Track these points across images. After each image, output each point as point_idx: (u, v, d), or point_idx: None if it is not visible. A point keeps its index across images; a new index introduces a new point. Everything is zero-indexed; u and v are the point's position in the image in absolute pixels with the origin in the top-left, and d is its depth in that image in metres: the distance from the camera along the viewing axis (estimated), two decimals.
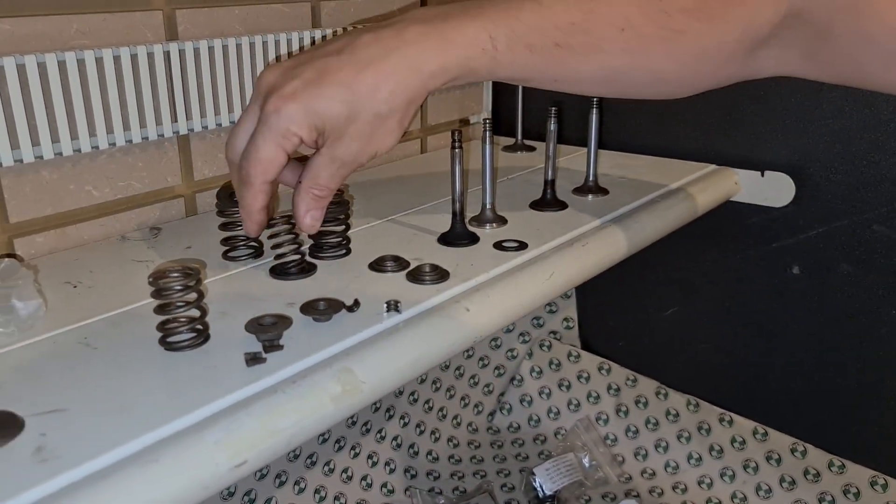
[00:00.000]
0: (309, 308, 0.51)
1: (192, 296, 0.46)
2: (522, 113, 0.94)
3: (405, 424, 0.98)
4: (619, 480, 0.96)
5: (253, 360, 0.45)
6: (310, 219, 0.52)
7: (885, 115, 0.75)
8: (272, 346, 0.46)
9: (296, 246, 0.57)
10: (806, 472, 0.85)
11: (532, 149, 0.95)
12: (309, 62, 0.47)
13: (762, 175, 0.83)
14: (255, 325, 0.48)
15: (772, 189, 0.82)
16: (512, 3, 0.48)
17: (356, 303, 0.52)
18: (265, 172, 0.49)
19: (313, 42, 0.77)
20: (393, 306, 0.51)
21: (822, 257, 0.82)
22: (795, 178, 0.81)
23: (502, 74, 0.49)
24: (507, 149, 0.95)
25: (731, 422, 0.91)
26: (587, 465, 0.95)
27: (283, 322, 0.48)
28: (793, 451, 0.86)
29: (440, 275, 0.56)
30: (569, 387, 1.04)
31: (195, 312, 0.47)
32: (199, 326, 0.47)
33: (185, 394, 0.41)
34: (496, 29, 0.47)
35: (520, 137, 0.95)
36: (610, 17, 0.48)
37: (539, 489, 0.90)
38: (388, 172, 0.87)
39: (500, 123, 1.04)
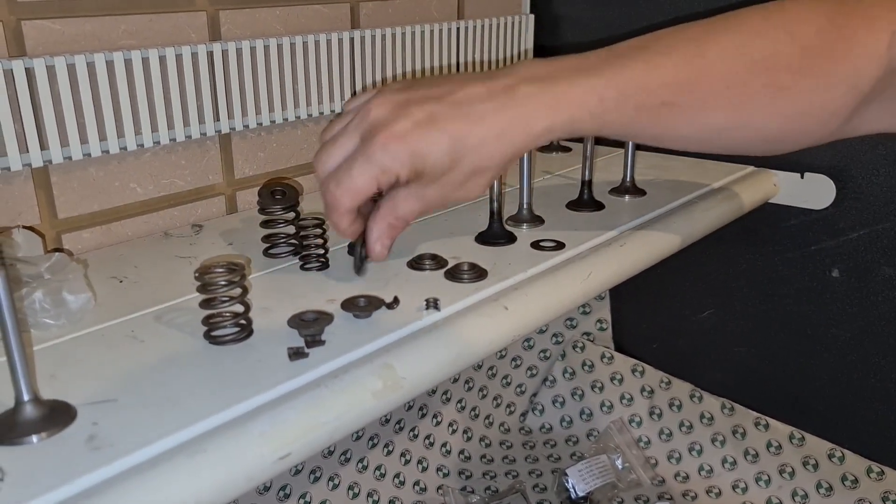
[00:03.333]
0: (349, 305, 0.51)
1: (237, 291, 0.47)
2: None
3: (438, 423, 0.98)
4: (652, 483, 0.95)
5: (296, 354, 0.45)
6: (380, 246, 0.53)
7: None
8: (314, 341, 0.47)
9: (323, 241, 0.59)
10: (844, 479, 0.84)
11: (568, 150, 0.95)
12: (420, 103, 0.47)
13: (802, 177, 0.82)
14: (298, 321, 0.49)
15: (812, 191, 0.81)
16: (622, 59, 0.48)
17: (395, 300, 0.52)
18: (354, 200, 0.49)
19: (352, 43, 0.78)
20: (432, 304, 0.52)
21: (863, 260, 0.80)
22: (836, 180, 0.80)
23: (605, 132, 0.49)
24: (543, 150, 0.95)
25: (766, 426, 0.89)
26: (620, 467, 0.95)
27: (324, 318, 0.49)
28: (830, 456, 0.85)
29: (478, 273, 0.57)
30: (602, 388, 1.04)
31: (239, 308, 0.48)
32: (243, 321, 0.48)
33: (230, 387, 0.42)
34: (606, 90, 0.47)
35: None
36: (716, 75, 0.47)
37: (572, 490, 0.90)
38: None
39: None
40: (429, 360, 0.49)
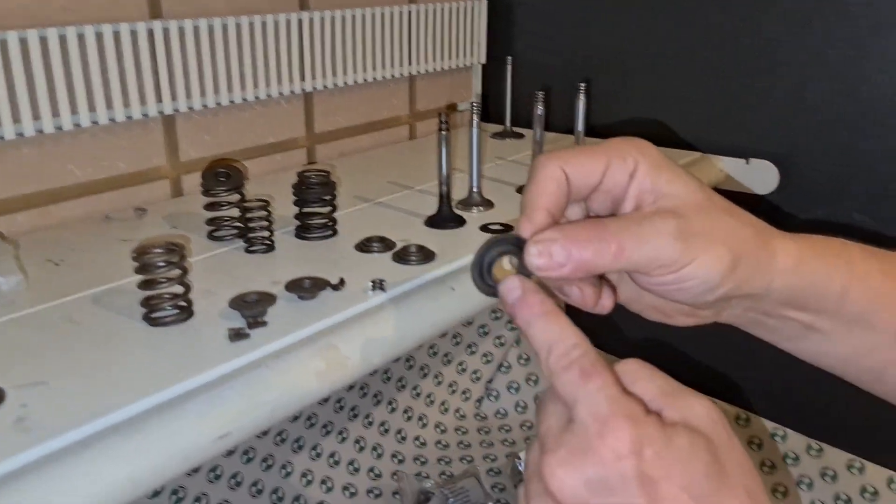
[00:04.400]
0: (294, 286, 0.51)
1: (176, 272, 0.46)
2: (511, 100, 0.94)
3: (393, 410, 0.98)
4: None
5: (237, 335, 0.45)
6: None
7: (866, 106, 0.75)
8: (256, 322, 0.46)
9: (268, 223, 0.58)
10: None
11: (520, 136, 0.95)
12: None
13: (747, 162, 0.83)
14: (240, 302, 0.48)
15: (756, 176, 0.83)
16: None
17: (341, 281, 0.52)
18: None
19: (300, 25, 0.77)
20: (378, 285, 0.51)
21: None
22: (780, 166, 0.82)
23: None
24: (495, 135, 0.95)
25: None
26: None
27: (267, 299, 0.48)
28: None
29: (426, 255, 0.56)
30: None
31: (179, 289, 0.47)
32: (183, 302, 0.47)
33: (167, 368, 0.41)
34: None
35: (508, 124, 0.95)
36: None
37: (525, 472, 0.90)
38: (377, 158, 0.87)
39: (489, 110, 1.04)
40: (374, 340, 0.48)
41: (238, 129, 0.76)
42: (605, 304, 0.40)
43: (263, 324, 0.46)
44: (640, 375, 0.33)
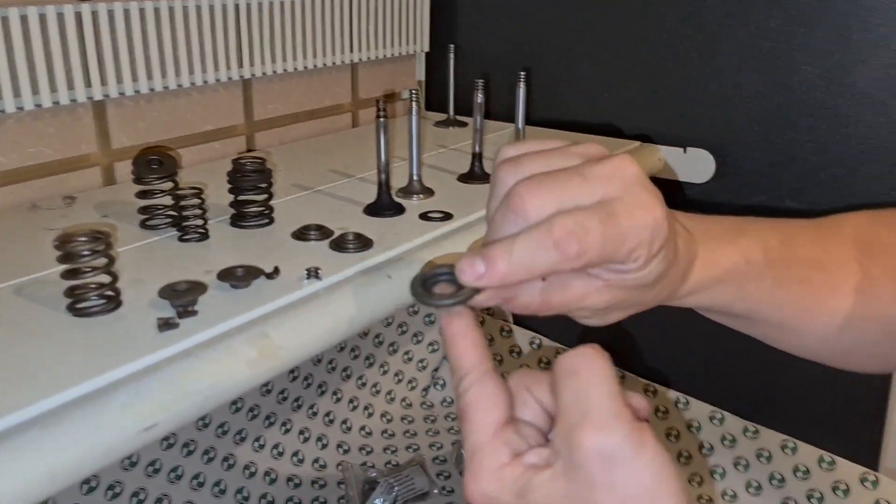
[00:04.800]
0: (226, 275, 0.50)
1: (102, 261, 0.45)
2: (455, 88, 0.94)
3: (338, 400, 0.98)
4: None
5: (165, 325, 0.44)
6: None
7: (798, 97, 0.77)
8: (186, 311, 0.45)
9: (201, 211, 0.57)
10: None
11: (464, 124, 0.95)
12: None
13: (685, 151, 0.85)
14: (169, 291, 0.47)
15: (693, 165, 0.84)
16: None
17: (276, 270, 0.51)
18: None
19: (237, 9, 0.75)
20: (313, 273, 0.51)
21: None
22: (716, 155, 0.84)
23: None
24: (438, 124, 0.95)
25: (655, 392, 0.93)
26: None
27: (197, 288, 0.47)
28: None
29: (363, 243, 0.56)
30: (501, 361, 1.05)
31: (105, 278, 0.46)
32: (110, 292, 0.46)
33: (92, 359, 0.40)
34: None
35: (452, 113, 0.95)
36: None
37: None
38: (319, 146, 0.86)
39: (433, 99, 1.04)
40: (308, 328, 0.48)
41: (173, 115, 0.75)
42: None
43: (194, 313, 0.46)
44: (557, 383, 0.32)
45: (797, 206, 0.80)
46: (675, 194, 0.87)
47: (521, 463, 0.33)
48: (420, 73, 1.03)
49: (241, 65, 0.77)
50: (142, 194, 0.59)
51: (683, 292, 0.43)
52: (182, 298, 0.46)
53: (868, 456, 0.82)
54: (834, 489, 0.80)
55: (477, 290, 0.36)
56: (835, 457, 0.79)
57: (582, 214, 0.33)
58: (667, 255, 0.37)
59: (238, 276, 0.50)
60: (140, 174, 0.58)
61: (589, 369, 0.32)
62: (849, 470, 0.79)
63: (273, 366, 0.45)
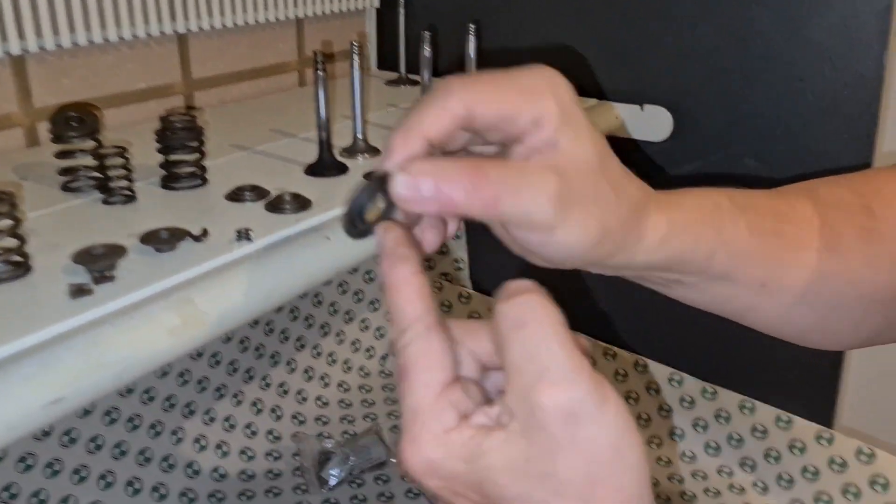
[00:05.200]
0: (150, 238, 0.47)
1: (7, 223, 0.42)
2: (406, 46, 0.90)
3: (292, 371, 0.95)
4: None
5: (78, 291, 0.41)
6: None
7: (756, 52, 0.75)
8: (102, 276, 0.42)
9: (126, 172, 0.54)
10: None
11: (416, 83, 0.92)
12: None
13: (642, 109, 0.82)
14: (84, 256, 0.44)
15: (651, 123, 0.82)
16: None
17: (204, 232, 0.48)
18: None
19: None
20: (244, 234, 0.48)
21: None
22: (674, 113, 0.82)
23: None
24: (390, 83, 0.92)
25: (615, 356, 0.92)
26: None
27: (115, 252, 0.44)
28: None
29: (301, 204, 0.53)
30: None
31: (11, 242, 0.42)
32: (18, 257, 0.43)
33: None
34: None
35: (403, 71, 0.91)
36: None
37: None
38: (262, 105, 0.82)
39: (385, 57, 1.00)
40: (237, 293, 0.45)
41: (102, 72, 0.70)
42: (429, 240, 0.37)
43: (111, 278, 0.43)
44: (503, 338, 0.30)
45: (756, 164, 0.79)
46: (632, 153, 0.85)
47: (470, 425, 0.30)
48: (370, 29, 0.99)
49: (174, 18, 0.73)
50: (62, 154, 0.55)
51: (651, 241, 0.38)
52: (98, 263, 0.43)
53: (824, 415, 0.82)
54: (791, 447, 0.80)
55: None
56: (791, 416, 0.79)
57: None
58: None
59: (162, 239, 0.47)
60: (58, 133, 0.55)
61: (537, 320, 0.29)
62: (805, 428, 0.78)
63: (198, 333, 0.42)
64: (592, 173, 0.34)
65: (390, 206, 0.33)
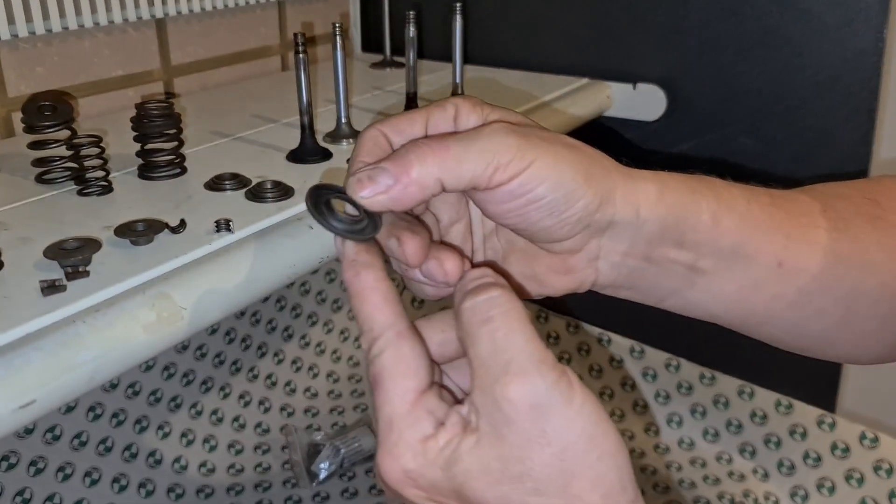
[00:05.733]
0: (125, 230, 0.45)
1: None
2: (390, 28, 0.88)
3: (280, 362, 0.93)
4: None
5: (50, 288, 0.39)
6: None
7: (749, 25, 0.73)
8: (76, 272, 0.40)
9: (102, 161, 0.51)
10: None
11: (401, 65, 0.89)
12: None
13: (634, 88, 0.80)
14: (56, 251, 0.42)
15: (644, 102, 0.80)
16: None
17: (182, 223, 0.46)
18: None
19: None
20: (224, 225, 0.46)
21: (696, 170, 0.81)
22: (667, 91, 0.80)
23: None
24: (375, 66, 0.89)
25: (610, 342, 0.91)
26: None
27: (89, 245, 0.42)
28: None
29: (283, 192, 0.51)
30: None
31: None
32: None
33: None
34: None
35: (388, 54, 0.89)
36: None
37: None
38: (243, 91, 0.80)
39: (370, 39, 0.97)
40: (217, 287, 0.43)
41: (78, 60, 0.68)
42: (447, 269, 0.33)
43: (85, 274, 0.41)
44: (468, 335, 0.29)
45: (752, 142, 0.77)
46: (625, 134, 0.83)
47: (446, 430, 0.29)
48: (354, 10, 0.96)
49: (151, 3, 0.70)
50: (35, 145, 0.53)
51: (645, 195, 0.35)
52: (71, 258, 0.41)
53: (825, 399, 0.81)
54: (791, 433, 0.79)
55: (377, 220, 0.33)
56: (792, 400, 0.78)
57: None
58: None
59: (138, 232, 0.45)
60: (31, 122, 0.52)
61: (504, 314, 0.29)
62: (806, 413, 0.77)
63: (175, 329, 0.40)
64: (538, 131, 0.34)
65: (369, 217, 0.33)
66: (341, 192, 0.32)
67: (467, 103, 0.35)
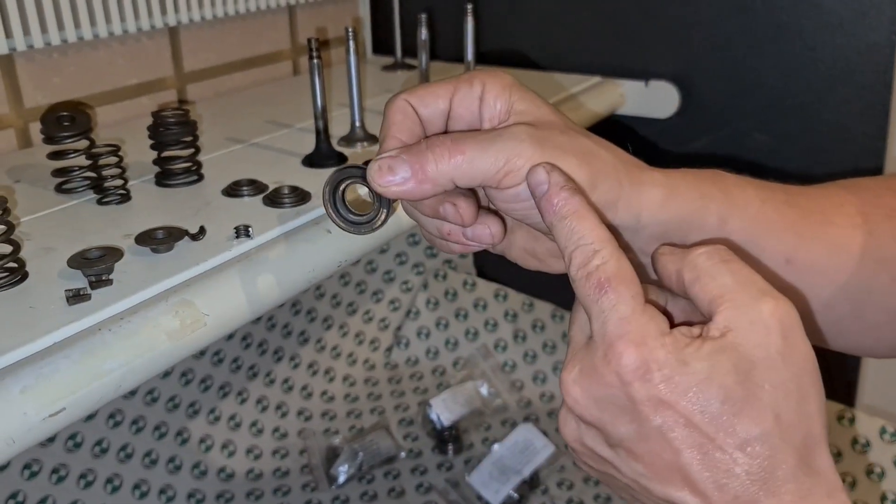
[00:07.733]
0: (146, 238, 0.45)
1: None
2: (401, 30, 0.88)
3: (296, 366, 0.94)
4: (518, 406, 0.95)
5: (75, 297, 0.39)
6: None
7: (761, 20, 0.73)
8: (100, 281, 0.41)
9: (120, 170, 0.52)
10: None
11: (412, 67, 0.90)
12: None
13: (646, 85, 0.80)
14: (80, 260, 0.42)
15: (656, 99, 0.80)
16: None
17: (201, 230, 0.46)
18: None
19: None
20: (243, 231, 0.46)
21: (709, 167, 0.81)
22: (679, 88, 0.80)
23: None
24: (386, 68, 0.90)
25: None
26: (485, 393, 0.94)
27: (112, 254, 0.42)
28: None
29: (300, 197, 0.52)
30: (466, 316, 1.02)
31: (5, 248, 0.41)
32: (13, 264, 0.41)
33: None
34: None
35: (399, 56, 0.89)
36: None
37: (436, 420, 0.88)
38: (256, 96, 0.80)
39: (381, 42, 0.98)
40: (238, 293, 0.43)
41: (93, 69, 0.68)
42: (494, 232, 0.36)
43: (108, 282, 0.41)
44: (706, 271, 0.31)
45: (766, 138, 0.77)
46: (638, 131, 0.83)
47: (679, 331, 0.31)
48: (365, 13, 0.96)
49: (164, 12, 0.71)
50: (54, 155, 0.54)
51: (652, 195, 0.35)
52: (94, 267, 0.41)
53: (845, 393, 0.81)
54: None
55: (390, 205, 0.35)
56: None
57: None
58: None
59: (158, 239, 0.45)
60: (50, 133, 0.53)
61: (736, 258, 0.32)
62: (826, 408, 0.77)
63: (198, 336, 0.41)
64: (559, 126, 0.35)
65: (377, 197, 0.35)
66: (362, 176, 0.34)
67: (496, 85, 0.36)
